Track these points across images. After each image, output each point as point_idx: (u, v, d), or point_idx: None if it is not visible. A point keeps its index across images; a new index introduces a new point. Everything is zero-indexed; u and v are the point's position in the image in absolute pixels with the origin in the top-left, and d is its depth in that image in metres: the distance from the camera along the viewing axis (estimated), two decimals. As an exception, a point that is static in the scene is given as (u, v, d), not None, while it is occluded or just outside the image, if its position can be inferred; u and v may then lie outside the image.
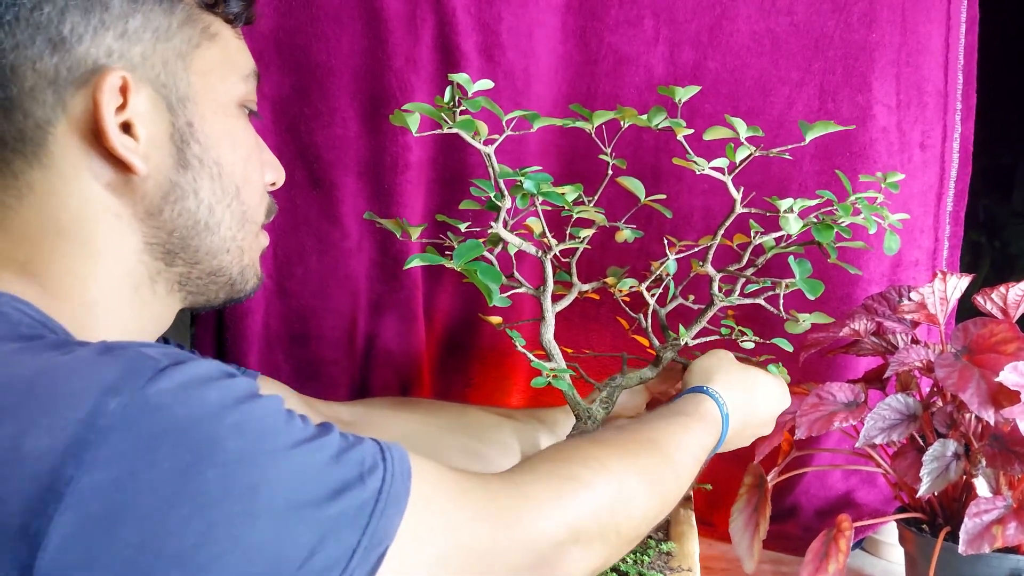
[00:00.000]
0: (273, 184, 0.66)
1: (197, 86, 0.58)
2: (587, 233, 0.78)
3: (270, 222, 1.05)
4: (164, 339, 0.75)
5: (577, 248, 0.79)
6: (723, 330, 0.85)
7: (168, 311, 0.61)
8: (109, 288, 0.56)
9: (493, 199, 0.73)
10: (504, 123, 0.70)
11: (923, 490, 0.79)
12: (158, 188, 0.56)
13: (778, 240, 0.78)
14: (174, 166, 0.57)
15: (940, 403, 0.85)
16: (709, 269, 0.78)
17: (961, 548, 0.77)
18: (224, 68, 0.60)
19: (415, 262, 0.69)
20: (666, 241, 0.82)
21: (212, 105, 0.59)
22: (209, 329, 1.07)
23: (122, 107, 0.54)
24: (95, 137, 0.53)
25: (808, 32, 1.08)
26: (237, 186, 0.60)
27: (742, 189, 0.75)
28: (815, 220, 0.74)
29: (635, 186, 0.76)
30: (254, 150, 0.62)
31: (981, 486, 0.85)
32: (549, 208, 0.74)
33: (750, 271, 0.78)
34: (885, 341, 0.92)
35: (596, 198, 0.76)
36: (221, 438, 0.42)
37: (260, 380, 0.78)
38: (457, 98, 0.69)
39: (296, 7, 1.01)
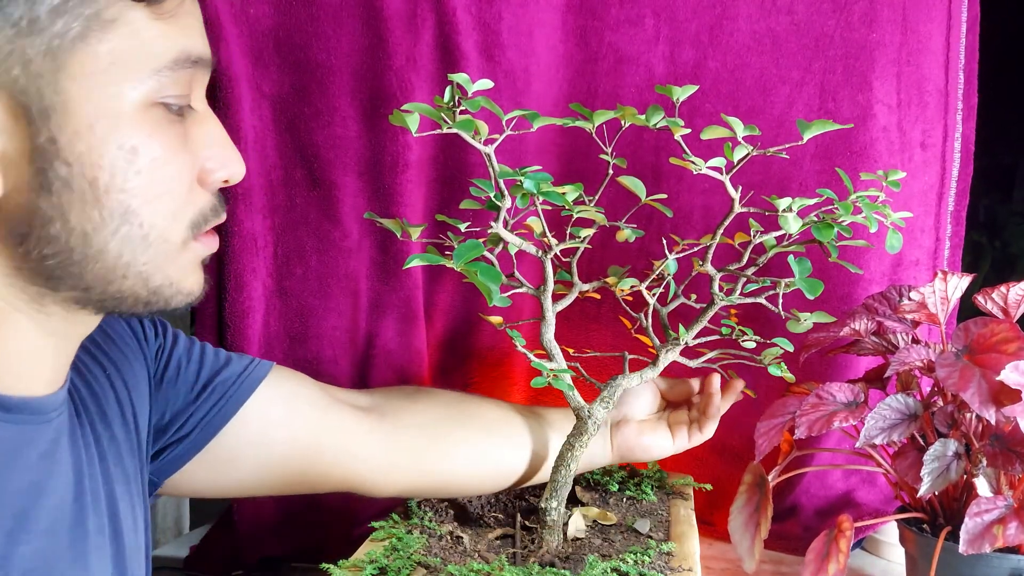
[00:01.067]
0: (226, 181, 0.57)
1: (72, 92, 0.47)
2: (587, 232, 0.78)
3: (269, 220, 1.06)
4: (174, 335, 0.74)
5: (577, 248, 0.79)
6: (723, 330, 0.84)
7: (76, 324, 0.56)
8: None
9: (493, 199, 0.73)
10: (504, 123, 0.70)
11: (924, 490, 0.79)
12: (19, 210, 0.49)
13: (779, 239, 0.77)
14: (34, 188, 0.48)
15: (941, 403, 0.85)
16: (709, 268, 0.78)
17: (962, 548, 0.76)
18: (122, 64, 0.49)
19: (415, 262, 0.69)
20: (665, 241, 0.82)
21: (95, 114, 0.48)
22: (209, 328, 1.07)
23: None
24: None
25: (809, 31, 1.07)
26: (128, 208, 0.50)
27: (740, 188, 0.75)
28: (815, 219, 0.74)
29: (636, 185, 0.76)
30: (169, 157, 0.52)
31: (982, 486, 0.85)
32: (549, 208, 0.73)
33: (751, 270, 0.78)
34: (886, 341, 0.92)
35: (596, 197, 0.76)
36: None
37: (275, 371, 0.78)
38: (457, 98, 0.68)
39: (295, 6, 1.01)
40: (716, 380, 0.91)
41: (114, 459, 0.63)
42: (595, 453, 0.90)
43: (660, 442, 0.91)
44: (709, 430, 0.92)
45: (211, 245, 0.58)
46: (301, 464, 0.77)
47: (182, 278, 0.56)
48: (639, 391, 0.93)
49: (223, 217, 0.58)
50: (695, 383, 0.95)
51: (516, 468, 0.88)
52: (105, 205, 0.50)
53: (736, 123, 0.70)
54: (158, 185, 0.51)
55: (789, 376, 0.83)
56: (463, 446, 0.85)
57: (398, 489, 0.84)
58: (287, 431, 0.76)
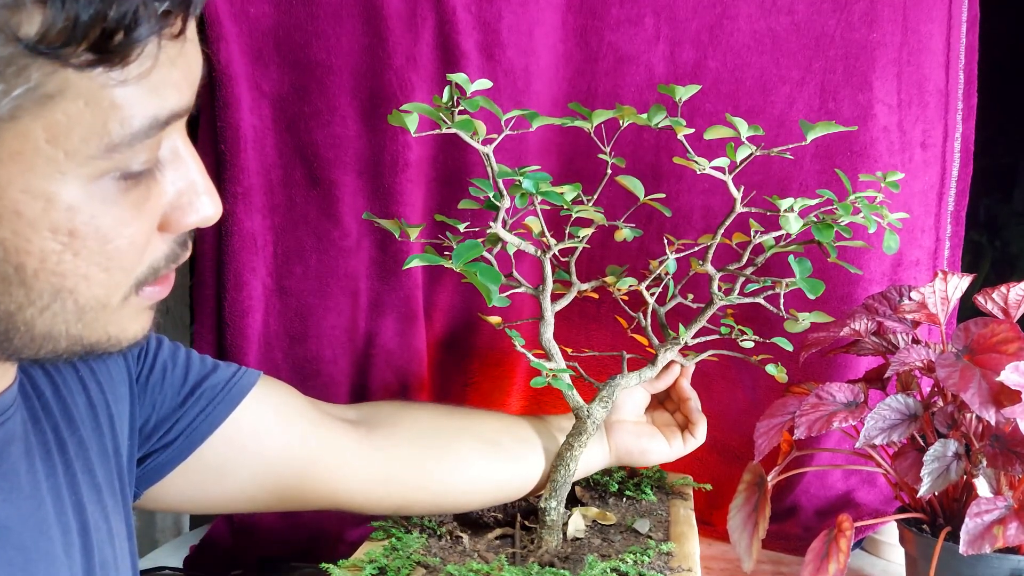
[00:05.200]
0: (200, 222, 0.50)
1: None
2: (586, 232, 0.78)
3: (268, 219, 1.05)
4: (158, 339, 0.73)
5: (576, 247, 0.79)
6: (723, 329, 0.84)
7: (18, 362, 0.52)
8: None
9: (492, 199, 0.73)
10: (503, 122, 0.70)
11: (924, 490, 0.79)
12: None
13: (778, 239, 0.77)
14: None
15: (941, 403, 0.85)
16: (709, 268, 0.78)
17: (962, 548, 0.76)
18: (63, 143, 0.41)
19: (415, 262, 0.69)
20: (665, 240, 0.82)
21: (22, 198, 0.41)
22: (208, 327, 1.07)
23: None
24: None
25: (809, 31, 1.07)
26: (61, 288, 0.44)
27: (742, 188, 0.75)
28: (815, 219, 0.74)
29: (634, 185, 0.76)
30: (118, 230, 0.45)
31: (982, 486, 0.85)
32: (548, 207, 0.73)
33: (750, 270, 0.78)
34: (886, 341, 0.92)
35: (595, 197, 0.76)
36: None
37: (263, 380, 0.75)
38: (456, 98, 0.68)
39: (295, 4, 1.01)
40: (684, 384, 0.92)
41: (82, 466, 0.59)
42: (593, 456, 0.89)
43: (657, 447, 0.90)
44: (701, 431, 0.91)
45: (160, 293, 0.51)
46: (293, 477, 0.74)
47: (122, 331, 0.50)
48: (631, 390, 0.93)
49: (184, 258, 0.51)
50: (677, 367, 0.93)
51: (524, 480, 0.85)
52: (33, 288, 0.44)
53: (740, 123, 0.70)
54: (100, 262, 0.45)
55: (782, 377, 0.83)
56: (460, 458, 0.82)
57: (393, 505, 0.81)
58: (281, 440, 0.73)
